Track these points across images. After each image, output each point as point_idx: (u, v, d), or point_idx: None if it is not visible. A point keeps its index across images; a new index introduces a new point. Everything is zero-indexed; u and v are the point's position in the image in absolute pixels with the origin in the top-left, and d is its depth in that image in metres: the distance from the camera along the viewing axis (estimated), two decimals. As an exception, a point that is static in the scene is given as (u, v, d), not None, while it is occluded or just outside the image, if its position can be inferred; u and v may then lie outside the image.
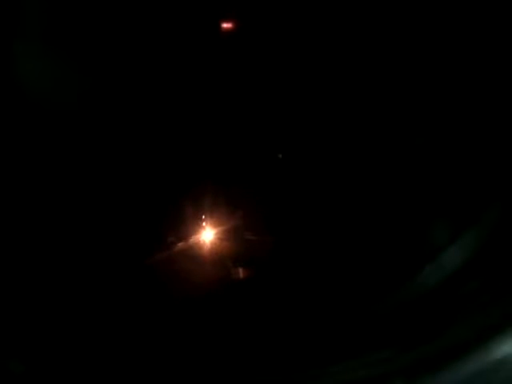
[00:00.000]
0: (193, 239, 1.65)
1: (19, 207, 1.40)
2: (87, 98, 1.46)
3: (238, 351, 1.33)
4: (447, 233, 1.17)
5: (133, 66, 1.52)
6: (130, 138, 1.54)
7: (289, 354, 1.15)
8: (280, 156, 1.65)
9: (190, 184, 1.60)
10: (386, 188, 1.39)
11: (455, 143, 1.29)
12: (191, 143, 1.64)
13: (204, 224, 1.66)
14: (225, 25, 1.61)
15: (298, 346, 1.17)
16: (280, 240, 1.55)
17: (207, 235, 1.65)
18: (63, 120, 1.43)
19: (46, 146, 1.43)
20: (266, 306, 1.46)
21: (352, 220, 1.43)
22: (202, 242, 1.66)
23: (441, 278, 1.11)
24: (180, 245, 1.64)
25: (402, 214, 1.35)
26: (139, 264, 1.57)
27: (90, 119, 1.48)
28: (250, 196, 1.63)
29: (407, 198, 1.34)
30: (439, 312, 1.05)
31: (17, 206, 1.40)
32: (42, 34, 1.44)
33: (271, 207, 1.61)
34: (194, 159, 1.63)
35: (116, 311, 1.45)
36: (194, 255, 1.65)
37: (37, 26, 1.42)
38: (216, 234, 1.66)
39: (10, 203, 1.37)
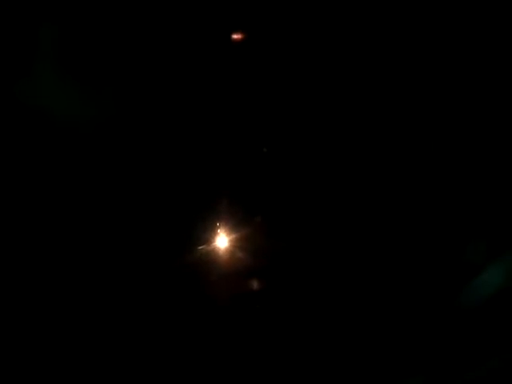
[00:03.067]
0: (207, 246, 1.61)
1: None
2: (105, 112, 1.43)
3: (252, 367, 1.31)
4: (486, 253, 1.14)
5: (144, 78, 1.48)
6: (147, 148, 1.49)
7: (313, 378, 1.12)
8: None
9: (204, 191, 1.56)
10: (419, 201, 1.36)
11: (497, 162, 1.25)
12: (204, 149, 1.59)
13: (219, 231, 1.60)
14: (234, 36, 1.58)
15: (321, 370, 1.14)
16: (300, 249, 1.52)
17: (222, 242, 1.60)
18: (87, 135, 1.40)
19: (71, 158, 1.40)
20: (283, 318, 1.44)
21: (383, 235, 1.40)
22: (216, 249, 1.61)
23: (479, 301, 1.08)
24: (195, 252, 1.60)
25: (441, 231, 1.31)
26: (154, 270, 1.53)
27: (108, 132, 1.44)
28: (264, 202, 1.59)
29: (445, 213, 1.31)
30: (475, 340, 1.02)
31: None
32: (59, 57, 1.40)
33: (284, 213, 1.57)
34: (208, 165, 1.58)
35: (127, 314, 1.45)
36: (208, 262, 1.61)
37: (54, 50, 1.38)
38: (231, 241, 1.61)
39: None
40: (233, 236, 1.63)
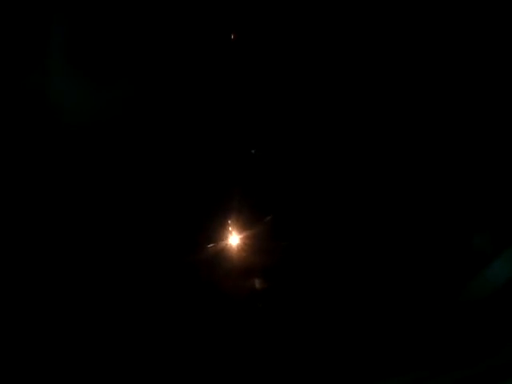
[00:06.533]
0: (219, 244, 1.61)
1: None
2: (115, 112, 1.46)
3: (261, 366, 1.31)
4: (493, 245, 1.11)
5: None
6: (158, 145, 1.51)
7: (320, 372, 1.11)
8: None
9: (216, 188, 1.57)
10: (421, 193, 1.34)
11: (501, 154, 1.23)
12: (214, 147, 1.60)
13: (230, 228, 1.60)
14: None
15: (330, 364, 1.13)
16: (309, 247, 1.51)
17: (233, 240, 1.59)
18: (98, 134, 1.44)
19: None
20: (292, 316, 1.43)
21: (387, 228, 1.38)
22: (228, 246, 1.61)
23: (486, 294, 1.05)
24: (206, 249, 1.60)
25: (444, 224, 1.29)
26: (163, 268, 1.53)
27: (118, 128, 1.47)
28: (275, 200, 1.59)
29: (452, 204, 1.28)
30: (482, 333, 0.99)
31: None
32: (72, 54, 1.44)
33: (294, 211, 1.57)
34: (219, 163, 1.59)
35: (135, 312, 1.46)
36: (219, 260, 1.61)
37: (66, 46, 1.43)
38: (242, 238, 1.61)
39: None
40: (244, 234, 1.63)
